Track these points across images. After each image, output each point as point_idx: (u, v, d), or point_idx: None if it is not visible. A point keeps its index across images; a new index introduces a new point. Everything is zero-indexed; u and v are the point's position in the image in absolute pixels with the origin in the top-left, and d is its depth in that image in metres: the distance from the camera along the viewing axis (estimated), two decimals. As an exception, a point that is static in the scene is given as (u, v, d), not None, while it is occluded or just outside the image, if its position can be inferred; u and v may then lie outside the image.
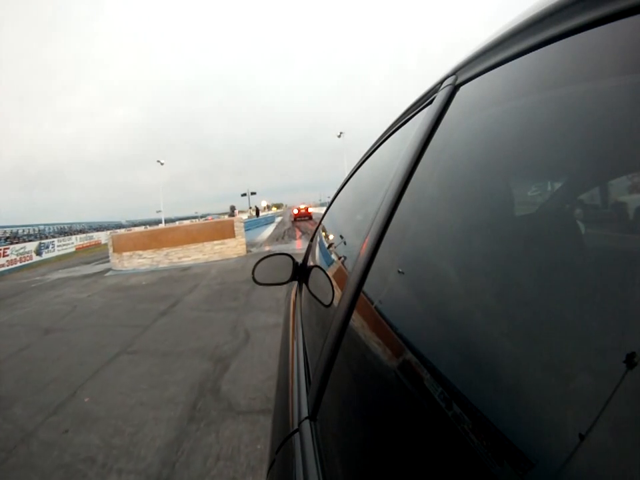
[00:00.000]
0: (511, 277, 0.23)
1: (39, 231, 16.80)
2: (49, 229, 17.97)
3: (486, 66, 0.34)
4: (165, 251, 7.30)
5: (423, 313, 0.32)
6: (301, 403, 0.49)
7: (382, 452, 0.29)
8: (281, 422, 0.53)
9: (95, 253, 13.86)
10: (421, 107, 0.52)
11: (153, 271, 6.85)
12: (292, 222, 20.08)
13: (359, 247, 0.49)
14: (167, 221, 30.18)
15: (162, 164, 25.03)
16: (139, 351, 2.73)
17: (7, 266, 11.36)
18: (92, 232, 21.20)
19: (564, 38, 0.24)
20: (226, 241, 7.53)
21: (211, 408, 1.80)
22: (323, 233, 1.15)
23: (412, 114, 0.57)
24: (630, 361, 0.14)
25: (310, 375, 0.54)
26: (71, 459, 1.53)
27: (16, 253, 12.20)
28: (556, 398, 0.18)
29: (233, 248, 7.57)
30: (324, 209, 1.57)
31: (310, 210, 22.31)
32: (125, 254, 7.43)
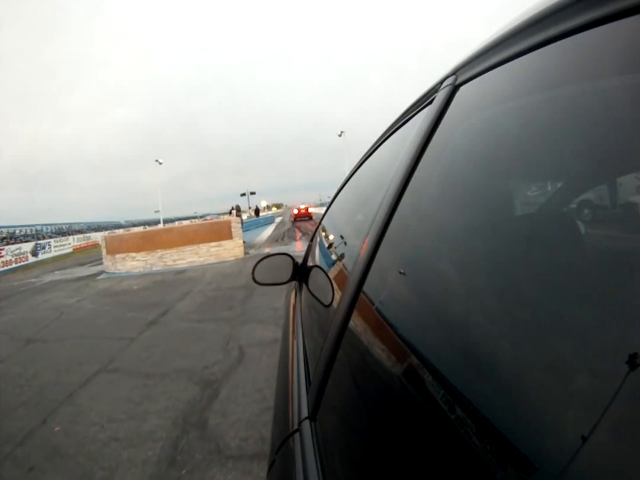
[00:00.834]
0: (512, 277, 0.23)
1: (36, 231, 16.59)
2: (47, 229, 17.76)
3: (486, 66, 0.34)
4: (159, 253, 7.05)
5: (423, 313, 0.32)
6: (300, 403, 0.49)
7: (382, 452, 0.29)
8: (281, 422, 0.53)
9: (92, 254, 13.65)
10: (420, 107, 0.51)
11: (145, 275, 6.61)
12: (292, 222, 20.03)
13: (359, 247, 0.49)
14: (166, 221, 29.99)
15: (160, 163, 24.80)
16: (120, 369, 2.45)
17: (2, 267, 11.20)
18: (90, 232, 20.99)
19: (564, 38, 0.24)
20: (223, 242, 7.25)
21: (195, 449, 1.52)
22: (323, 233, 1.14)
23: (412, 114, 0.56)
24: (632, 361, 0.14)
25: (310, 375, 0.54)
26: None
27: (11, 254, 12.02)
28: (558, 399, 0.17)
29: (230, 250, 7.29)
30: (324, 209, 1.55)
31: (310, 210, 22.26)
32: (118, 256, 7.19)
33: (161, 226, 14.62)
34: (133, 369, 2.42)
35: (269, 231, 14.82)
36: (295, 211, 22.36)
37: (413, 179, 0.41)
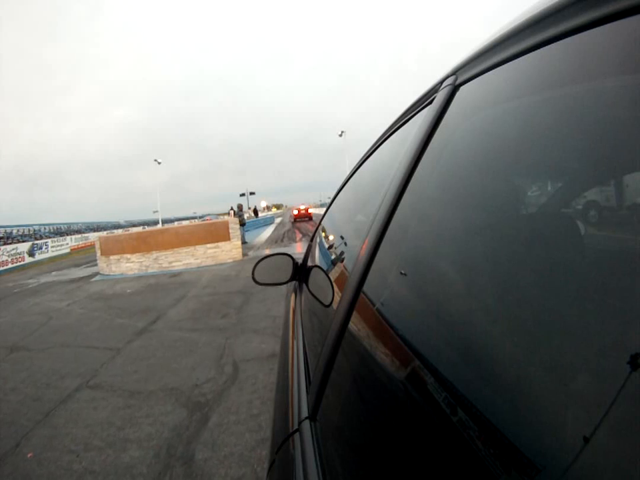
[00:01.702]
0: (514, 277, 0.23)
1: (34, 231, 16.43)
2: (45, 229, 17.60)
3: (486, 66, 0.34)
4: (155, 254, 6.85)
5: (424, 313, 0.32)
6: (300, 403, 0.49)
7: (382, 452, 0.29)
8: (280, 422, 0.54)
9: (89, 255, 13.48)
10: (420, 107, 0.51)
11: (140, 277, 6.46)
12: (292, 223, 19.98)
13: (359, 247, 0.49)
14: (165, 221, 29.82)
15: (159, 163, 24.63)
16: (103, 385, 2.24)
17: (-2, 267, 11.00)
18: (89, 232, 20.81)
19: (564, 38, 0.24)
20: (220, 244, 7.04)
21: (178, 491, 1.32)
22: (323, 233, 1.14)
23: (412, 114, 0.56)
24: (634, 361, 0.14)
25: (310, 375, 0.54)
26: None
27: (7, 254, 11.84)
28: (561, 400, 0.17)
29: (227, 252, 7.08)
30: (324, 209, 1.54)
31: (310, 211, 22.26)
32: (113, 257, 7.01)
33: (159, 226, 14.45)
34: (117, 385, 2.21)
35: (268, 231, 14.72)
36: (295, 212, 22.34)
37: (413, 179, 0.41)
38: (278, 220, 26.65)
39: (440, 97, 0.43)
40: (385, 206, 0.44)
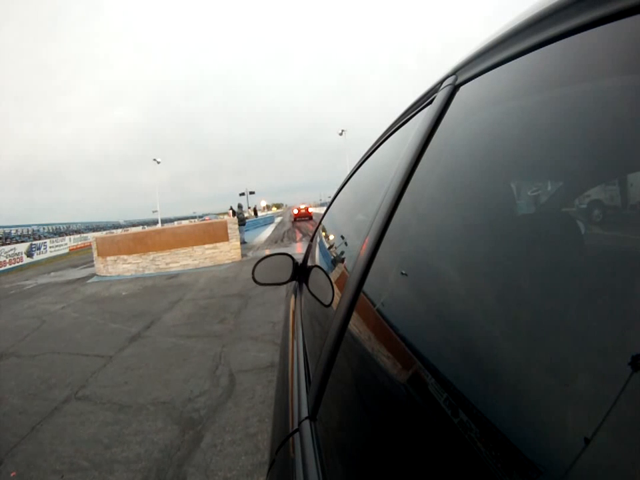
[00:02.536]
0: (515, 278, 0.23)
1: (33, 231, 16.34)
2: (44, 229, 17.50)
3: (486, 66, 0.34)
4: (152, 255, 6.74)
5: (424, 314, 0.32)
6: (300, 403, 0.49)
7: (382, 452, 0.29)
8: (281, 422, 0.54)
9: (87, 255, 13.38)
10: (420, 107, 0.51)
11: (136, 279, 6.37)
12: (292, 222, 20.04)
13: (359, 247, 0.49)
14: (164, 221, 29.72)
15: (158, 162, 24.50)
16: (91, 397, 2.15)
17: (-4, 268, 10.92)
18: (88, 232, 20.70)
19: (564, 38, 0.24)
20: (218, 244, 6.94)
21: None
22: (323, 233, 1.14)
23: (412, 114, 0.56)
24: (635, 362, 0.14)
25: (310, 375, 0.54)
26: None
27: (5, 255, 11.75)
28: (561, 401, 0.17)
29: (226, 252, 6.98)
30: (324, 208, 1.53)
31: (310, 210, 22.36)
32: (110, 258, 6.90)
33: (158, 226, 14.36)
34: (106, 398, 2.11)
35: (268, 231, 14.65)
36: (295, 211, 22.37)
37: (413, 178, 0.41)
38: (278, 219, 26.56)
39: (440, 97, 0.43)
40: (385, 206, 0.44)
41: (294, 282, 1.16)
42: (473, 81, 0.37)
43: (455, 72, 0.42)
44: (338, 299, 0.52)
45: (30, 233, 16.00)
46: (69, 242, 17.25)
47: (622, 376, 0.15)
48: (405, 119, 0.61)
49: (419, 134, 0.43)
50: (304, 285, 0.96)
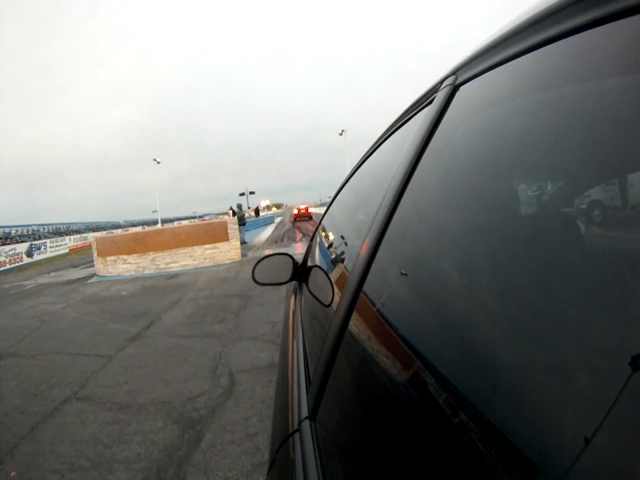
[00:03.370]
0: (516, 278, 0.23)
1: (33, 231, 16.33)
2: (44, 229, 17.50)
3: (486, 66, 0.34)
4: (152, 255, 6.73)
5: (424, 314, 0.32)
6: (300, 403, 0.49)
7: (382, 452, 0.29)
8: (280, 422, 0.54)
9: (87, 255, 13.38)
10: (420, 107, 0.51)
11: (136, 279, 6.35)
12: (292, 222, 20.09)
13: (359, 247, 0.49)
14: (164, 221, 29.70)
15: (158, 162, 24.50)
16: (91, 397, 2.15)
17: (-4, 268, 10.91)
18: (88, 232, 20.69)
19: (564, 38, 0.24)
20: (218, 244, 6.92)
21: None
22: (323, 233, 1.14)
23: (412, 114, 0.56)
24: (635, 362, 0.14)
25: (310, 375, 0.54)
26: None
27: (5, 255, 11.74)
28: (561, 401, 0.17)
29: (226, 253, 6.97)
30: (324, 209, 1.52)
31: (310, 210, 22.40)
32: (110, 258, 6.89)
33: (158, 226, 14.35)
34: (106, 398, 2.11)
35: (268, 231, 14.65)
36: (295, 211, 22.44)
37: (413, 178, 0.41)
38: (278, 219, 26.55)
39: (440, 97, 0.43)
40: (385, 206, 0.43)
41: (294, 282, 1.16)
42: (473, 81, 0.37)
43: (454, 72, 0.42)
44: (338, 299, 0.52)
45: (30, 233, 15.99)
46: (69, 242, 17.24)
47: (622, 376, 0.15)
48: (404, 119, 0.61)
49: (418, 134, 0.43)
50: (304, 285, 0.96)
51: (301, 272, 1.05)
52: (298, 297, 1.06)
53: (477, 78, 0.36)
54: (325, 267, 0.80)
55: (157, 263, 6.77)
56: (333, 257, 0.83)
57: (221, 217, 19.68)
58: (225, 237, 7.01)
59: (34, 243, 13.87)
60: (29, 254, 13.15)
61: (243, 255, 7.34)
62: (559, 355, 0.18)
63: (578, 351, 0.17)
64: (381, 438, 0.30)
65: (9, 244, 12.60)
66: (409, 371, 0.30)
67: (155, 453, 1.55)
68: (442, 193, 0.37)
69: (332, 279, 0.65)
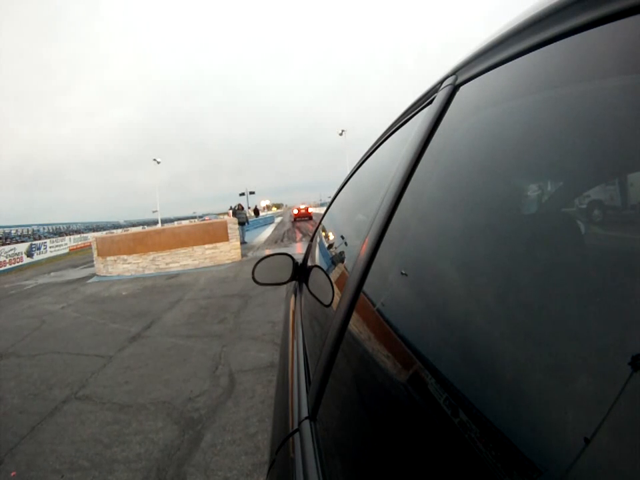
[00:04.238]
0: (516, 278, 0.23)
1: (33, 231, 16.33)
2: (44, 229, 17.49)
3: (486, 66, 0.34)
4: (152, 255, 6.74)
5: (424, 314, 0.32)
6: (300, 403, 0.49)
7: (382, 452, 0.29)
8: (280, 422, 0.54)
9: (87, 255, 13.39)
10: (421, 107, 0.51)
11: (136, 279, 6.39)
12: (292, 222, 20.16)
13: (359, 247, 0.49)
14: (164, 221, 29.69)
15: (158, 162, 24.50)
16: (91, 397, 2.15)
17: (-4, 268, 10.91)
18: (88, 232, 20.69)
19: (564, 38, 0.24)
20: (218, 244, 6.93)
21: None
22: (323, 233, 1.14)
23: (412, 114, 0.56)
24: (635, 362, 0.14)
25: (310, 375, 0.54)
26: None
27: (5, 255, 11.74)
28: (562, 401, 0.17)
29: (226, 252, 6.98)
30: (324, 209, 1.52)
31: (310, 210, 22.40)
32: (110, 258, 6.90)
33: (158, 226, 14.35)
34: (106, 398, 2.11)
35: (268, 231, 14.67)
36: (295, 211, 22.52)
37: (413, 178, 0.41)
38: (278, 219, 26.56)
39: (440, 97, 0.43)
40: (385, 206, 0.43)
41: (294, 282, 1.16)
42: (473, 80, 0.37)
43: (455, 72, 0.42)
44: (338, 299, 0.52)
45: (30, 233, 15.99)
46: (69, 242, 17.24)
47: (622, 376, 0.15)
48: (404, 119, 0.61)
49: (418, 134, 0.43)
50: (304, 285, 0.96)
51: (300, 272, 1.05)
52: (298, 297, 1.06)
53: (477, 78, 0.36)
54: (324, 267, 0.80)
55: (157, 263, 6.77)
56: (333, 256, 0.83)
57: (221, 216, 19.71)
58: (225, 237, 7.01)
59: (34, 242, 13.87)
60: (29, 254, 13.15)
61: (243, 255, 7.34)
62: (559, 355, 0.18)
63: (578, 351, 0.17)
64: (380, 438, 0.30)
65: (9, 244, 12.59)
66: (409, 370, 0.30)
67: (155, 452, 1.55)
68: (442, 193, 0.37)
69: (332, 279, 0.65)
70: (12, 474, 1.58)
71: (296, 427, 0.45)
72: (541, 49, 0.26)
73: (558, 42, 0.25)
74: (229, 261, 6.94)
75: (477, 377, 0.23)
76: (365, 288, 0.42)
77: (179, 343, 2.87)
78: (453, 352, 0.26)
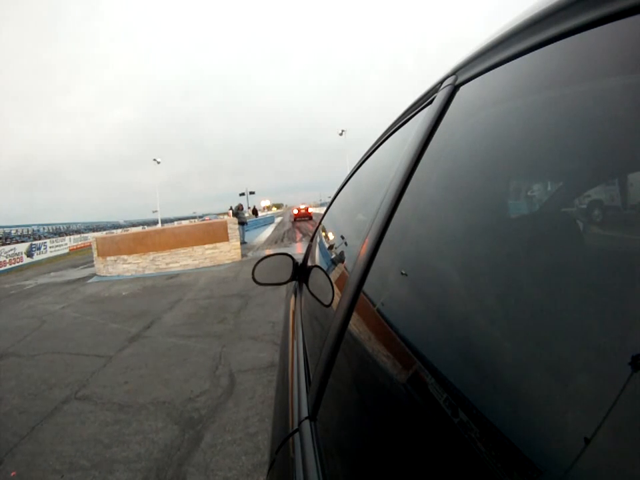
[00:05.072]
0: (516, 278, 0.23)
1: (33, 231, 16.33)
2: (44, 229, 17.50)
3: (486, 66, 0.34)
4: (152, 255, 6.73)
5: (424, 314, 0.32)
6: (300, 403, 0.49)
7: (382, 452, 0.29)
8: (280, 422, 0.54)
9: (87, 255, 13.39)
10: (421, 107, 0.51)
11: (136, 279, 6.36)
12: (292, 222, 20.21)
13: (359, 247, 0.49)
14: (164, 221, 29.70)
15: (158, 162, 24.51)
16: (91, 397, 2.15)
17: (-4, 268, 10.91)
18: (88, 232, 20.69)
19: (564, 38, 0.24)
20: (218, 244, 6.93)
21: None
22: (323, 233, 1.14)
23: (412, 114, 0.56)
24: (635, 362, 0.14)
25: (310, 375, 0.54)
26: None
27: (5, 255, 11.73)
28: (562, 401, 0.17)
29: (226, 253, 6.97)
30: (324, 209, 1.53)
31: (310, 210, 22.38)
32: (110, 258, 6.89)
33: (158, 226, 14.35)
34: (106, 398, 2.11)
35: (268, 231, 14.66)
36: (295, 211, 22.58)
37: (413, 178, 0.41)
38: (278, 219, 26.56)
39: (440, 97, 0.43)
40: (385, 206, 0.43)
41: (294, 282, 1.16)
42: (473, 80, 0.37)
43: (455, 72, 0.42)
44: (338, 299, 0.52)
45: (30, 233, 16.00)
46: (69, 242, 17.24)
47: (622, 376, 0.15)
48: (404, 119, 0.61)
49: (419, 134, 0.43)
50: (304, 285, 0.96)
51: (301, 272, 1.05)
52: (298, 297, 1.06)
53: (477, 78, 0.36)
54: (325, 267, 0.80)
55: (157, 263, 6.77)
56: (333, 257, 0.83)
57: (221, 217, 19.75)
58: (225, 237, 7.01)
59: (34, 243, 13.87)
60: (29, 254, 13.15)
61: (243, 255, 7.35)
62: (559, 355, 0.18)
63: (578, 350, 0.17)
64: (380, 438, 0.30)
65: (9, 244, 12.60)
66: (409, 370, 0.30)
67: (155, 452, 1.56)
68: (442, 193, 0.37)
69: (332, 279, 0.65)
70: (12, 474, 1.58)
71: (296, 427, 0.45)
72: (541, 49, 0.26)
73: (558, 42, 0.25)
74: (229, 261, 6.95)
75: (477, 377, 0.23)
76: (365, 288, 0.42)
77: (179, 343, 2.87)
78: (452, 352, 0.26)
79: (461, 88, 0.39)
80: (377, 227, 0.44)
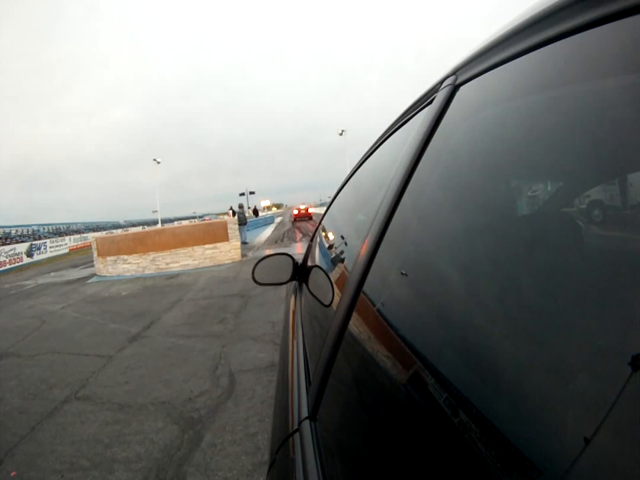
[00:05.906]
0: (516, 278, 0.23)
1: (33, 231, 16.33)
2: (44, 229, 17.50)
3: (486, 66, 0.34)
4: (152, 255, 6.75)
5: (424, 314, 0.32)
6: (300, 403, 0.49)
7: (382, 452, 0.29)
8: (281, 422, 0.54)
9: (87, 255, 13.39)
10: (420, 107, 0.51)
11: (136, 279, 6.40)
12: (292, 222, 20.23)
13: (359, 247, 0.49)
14: (164, 221, 29.72)
15: (158, 162, 24.51)
16: (91, 397, 2.15)
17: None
18: (88, 232, 20.69)
19: (564, 38, 0.24)
20: (218, 244, 6.94)
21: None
22: (323, 233, 1.14)
23: (412, 114, 0.56)
24: (635, 362, 0.14)
25: (310, 375, 0.54)
26: None
27: (5, 255, 11.73)
28: (562, 401, 0.17)
29: (226, 253, 6.99)
30: (324, 209, 1.53)
31: (310, 210, 22.38)
32: (110, 258, 6.90)
33: (158, 226, 14.35)
34: (106, 398, 2.11)
35: (268, 231, 14.68)
36: (295, 211, 22.62)
37: (413, 178, 0.41)
38: (278, 219, 26.58)
39: (440, 97, 0.43)
40: (385, 206, 0.44)
41: (294, 282, 1.16)
42: (473, 80, 0.37)
43: (454, 72, 0.42)
44: (338, 299, 0.52)
45: (30, 233, 16.00)
46: (69, 242, 17.24)
47: (622, 376, 0.15)
48: (405, 119, 0.61)
49: (419, 134, 0.43)
50: (304, 285, 0.96)
51: (301, 272, 1.05)
52: (298, 297, 1.07)
53: (477, 78, 0.36)
54: (325, 267, 0.80)
55: (157, 263, 6.77)
56: (333, 257, 0.83)
57: (221, 216, 19.77)
58: (225, 237, 7.01)
59: (34, 242, 13.88)
60: (29, 254, 13.15)
61: (243, 255, 7.35)
62: (559, 355, 0.18)
63: (578, 350, 0.17)
64: (380, 438, 0.30)
65: (9, 244, 12.60)
66: (409, 370, 0.30)
67: (155, 452, 1.56)
68: (442, 193, 0.37)
69: (332, 279, 0.65)
70: (12, 474, 1.58)
71: (296, 427, 0.45)
72: (541, 49, 0.26)
73: (558, 42, 0.25)
74: (229, 261, 6.95)
75: (477, 377, 0.23)
76: (365, 288, 0.42)
77: (179, 343, 2.88)
78: (453, 352, 0.26)
79: (461, 88, 0.39)
80: (376, 226, 0.44)
